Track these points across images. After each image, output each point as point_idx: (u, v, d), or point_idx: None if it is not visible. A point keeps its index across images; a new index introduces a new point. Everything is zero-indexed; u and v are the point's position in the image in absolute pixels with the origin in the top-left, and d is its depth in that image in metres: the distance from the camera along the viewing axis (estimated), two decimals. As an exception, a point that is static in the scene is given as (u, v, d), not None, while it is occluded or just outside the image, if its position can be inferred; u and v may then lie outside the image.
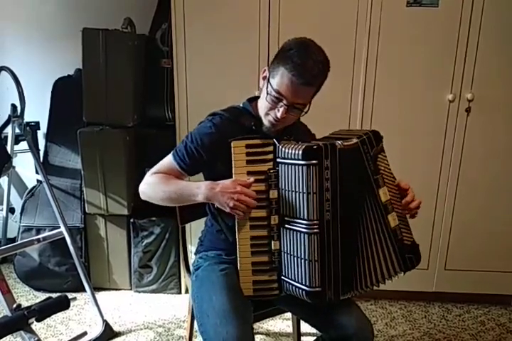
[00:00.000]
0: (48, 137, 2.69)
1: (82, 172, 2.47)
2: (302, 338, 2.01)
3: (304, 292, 1.31)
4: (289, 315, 2.10)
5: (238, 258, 1.38)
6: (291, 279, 1.34)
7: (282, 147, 1.32)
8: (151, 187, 1.43)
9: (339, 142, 1.31)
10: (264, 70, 1.42)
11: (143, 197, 1.48)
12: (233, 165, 1.35)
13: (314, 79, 1.33)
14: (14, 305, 1.77)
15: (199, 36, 2.20)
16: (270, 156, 1.35)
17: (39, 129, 2.80)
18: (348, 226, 1.33)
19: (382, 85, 2.19)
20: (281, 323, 2.32)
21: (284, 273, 1.36)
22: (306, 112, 1.40)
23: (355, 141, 1.34)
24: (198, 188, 1.34)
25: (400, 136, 2.25)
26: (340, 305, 1.40)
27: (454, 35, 2.12)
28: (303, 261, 1.30)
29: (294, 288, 1.34)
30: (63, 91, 2.65)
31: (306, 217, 1.28)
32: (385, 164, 1.41)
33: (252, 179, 1.33)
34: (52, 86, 2.65)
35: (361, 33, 2.14)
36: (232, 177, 1.34)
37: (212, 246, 1.58)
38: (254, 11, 2.14)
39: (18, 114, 2.23)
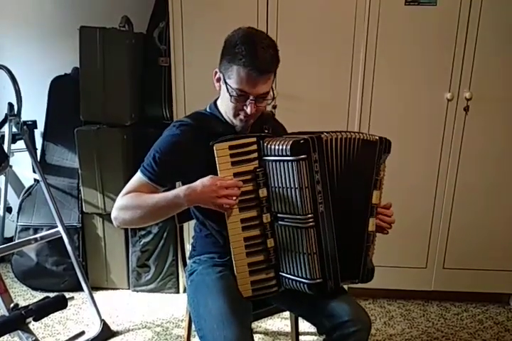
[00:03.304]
0: (45, 136, 2.67)
1: (79, 171, 2.46)
2: (300, 337, 2.01)
3: (305, 285, 1.30)
4: (287, 314, 2.09)
5: (233, 262, 1.35)
6: (291, 274, 1.33)
7: (268, 144, 1.30)
8: (125, 210, 1.35)
9: (325, 134, 1.30)
10: (216, 72, 1.40)
11: (118, 224, 1.38)
12: (218, 169, 1.31)
13: (270, 66, 1.34)
14: (11, 305, 1.75)
15: (197, 34, 2.20)
16: (255, 155, 1.33)
17: (36, 128, 2.78)
18: (341, 214, 1.32)
19: (381, 83, 2.19)
20: (280, 322, 2.32)
21: (282, 269, 1.35)
22: (273, 98, 1.42)
23: (376, 138, 1.35)
24: (177, 197, 1.29)
25: (399, 134, 2.23)
26: (333, 296, 1.39)
27: (452, 34, 2.12)
28: (301, 255, 1.29)
29: (294, 282, 1.33)
30: (60, 89, 2.63)
31: (300, 212, 1.27)
32: (384, 174, 1.40)
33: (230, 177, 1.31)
34: (50, 84, 2.63)
35: (359, 32, 2.13)
36: None
37: (204, 251, 1.56)
38: (253, 9, 2.13)
39: (15, 112, 2.22)
